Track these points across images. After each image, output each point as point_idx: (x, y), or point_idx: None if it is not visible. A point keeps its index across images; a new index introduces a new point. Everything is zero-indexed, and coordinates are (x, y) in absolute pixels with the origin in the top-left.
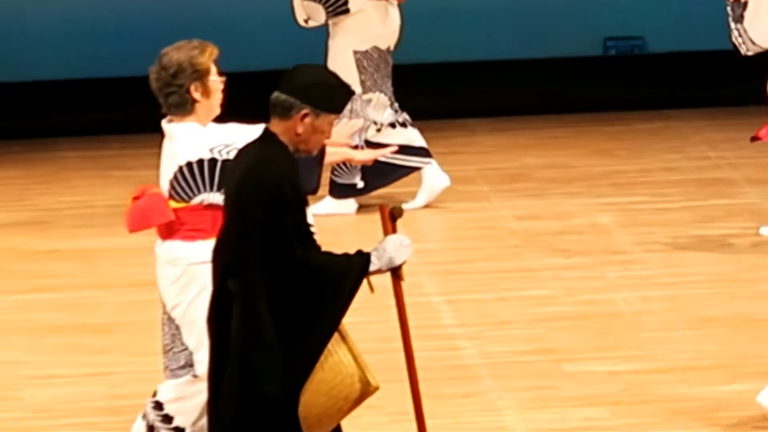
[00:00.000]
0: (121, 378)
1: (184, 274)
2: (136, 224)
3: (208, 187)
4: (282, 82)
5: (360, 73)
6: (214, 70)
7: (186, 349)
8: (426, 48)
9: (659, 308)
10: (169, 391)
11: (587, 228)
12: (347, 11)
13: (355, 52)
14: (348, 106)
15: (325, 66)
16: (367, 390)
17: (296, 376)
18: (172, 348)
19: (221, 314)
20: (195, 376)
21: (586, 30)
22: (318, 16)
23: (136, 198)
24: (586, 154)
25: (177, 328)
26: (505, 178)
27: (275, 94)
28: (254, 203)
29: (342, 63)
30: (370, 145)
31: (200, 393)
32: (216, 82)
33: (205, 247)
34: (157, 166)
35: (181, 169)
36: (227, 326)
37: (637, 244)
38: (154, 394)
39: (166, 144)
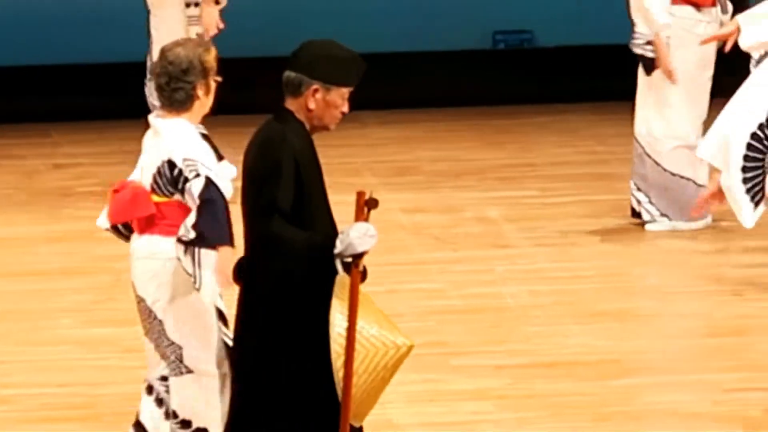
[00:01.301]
0: (9, 367)
1: (163, 269)
2: (118, 216)
3: (177, 190)
4: (291, 60)
5: None
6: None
7: (173, 343)
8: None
9: (547, 302)
10: (174, 393)
11: (476, 221)
12: None
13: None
14: None
15: (332, 40)
16: (401, 353)
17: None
18: (161, 343)
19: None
20: (190, 371)
21: (476, 23)
22: None
23: (116, 191)
24: (476, 148)
25: (161, 323)
26: (395, 171)
27: (286, 72)
28: (257, 179)
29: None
30: None
31: (205, 389)
32: (215, 81)
33: None
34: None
35: (164, 164)
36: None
37: (526, 238)
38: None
39: (153, 138)
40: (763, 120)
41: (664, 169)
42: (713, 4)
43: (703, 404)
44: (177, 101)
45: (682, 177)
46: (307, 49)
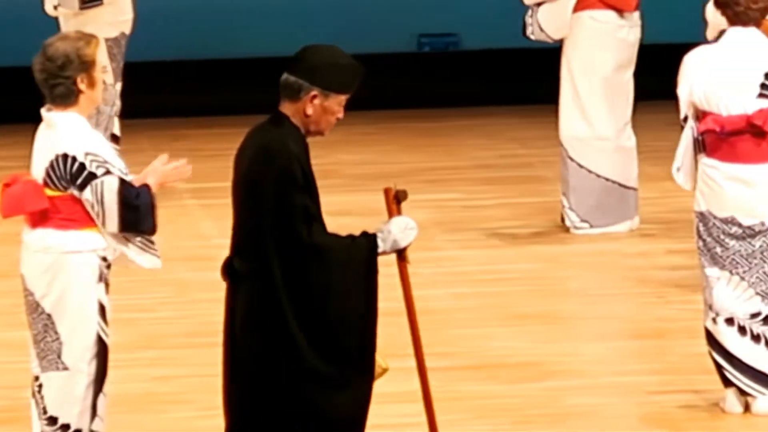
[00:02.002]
0: None
1: (56, 263)
2: (10, 210)
3: (73, 185)
4: (291, 64)
5: (111, 60)
6: (98, 61)
7: (58, 339)
8: (242, 43)
9: (471, 305)
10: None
11: None
12: (101, 3)
13: (107, 40)
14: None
15: (334, 46)
16: (376, 372)
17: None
18: (44, 338)
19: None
20: (66, 368)
21: (401, 26)
22: (70, 4)
23: (7, 185)
24: (400, 151)
25: (49, 317)
26: (317, 174)
27: (284, 75)
28: (264, 184)
29: None
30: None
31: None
32: (100, 73)
33: (78, 237)
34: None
35: (57, 158)
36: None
37: (451, 241)
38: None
39: (45, 131)
40: None
41: (589, 171)
42: (635, 9)
43: (625, 407)
44: (58, 96)
45: (607, 179)
46: (309, 55)
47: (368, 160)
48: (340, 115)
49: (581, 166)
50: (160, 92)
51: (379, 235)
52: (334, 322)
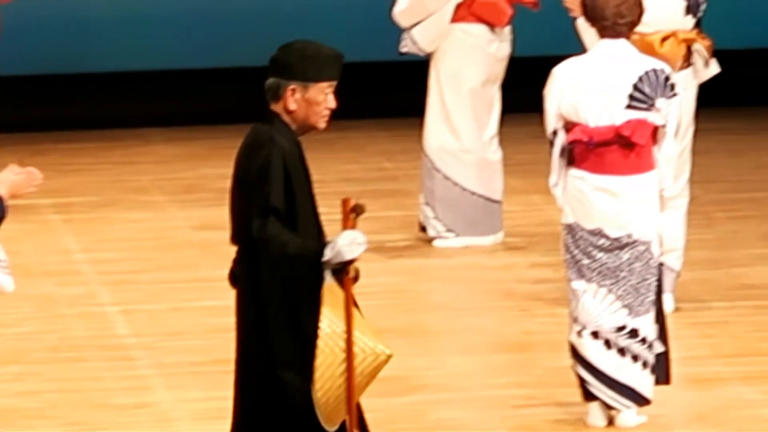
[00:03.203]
0: None
1: None
2: None
3: None
4: (268, 66)
5: None
6: None
7: None
8: (105, 57)
9: None
10: None
11: None
12: None
13: None
14: None
15: (307, 40)
16: (379, 360)
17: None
18: None
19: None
20: None
21: (263, 39)
22: None
23: None
24: None
25: None
26: (181, 188)
27: (267, 80)
28: (248, 180)
29: None
30: None
31: None
32: None
33: None
34: None
35: None
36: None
37: None
38: None
39: None
40: None
41: (455, 183)
42: (507, 24)
43: (491, 420)
44: None
45: (473, 193)
46: (281, 52)
47: (231, 174)
48: (330, 104)
49: (447, 178)
50: (22, 106)
51: (328, 243)
52: (272, 320)
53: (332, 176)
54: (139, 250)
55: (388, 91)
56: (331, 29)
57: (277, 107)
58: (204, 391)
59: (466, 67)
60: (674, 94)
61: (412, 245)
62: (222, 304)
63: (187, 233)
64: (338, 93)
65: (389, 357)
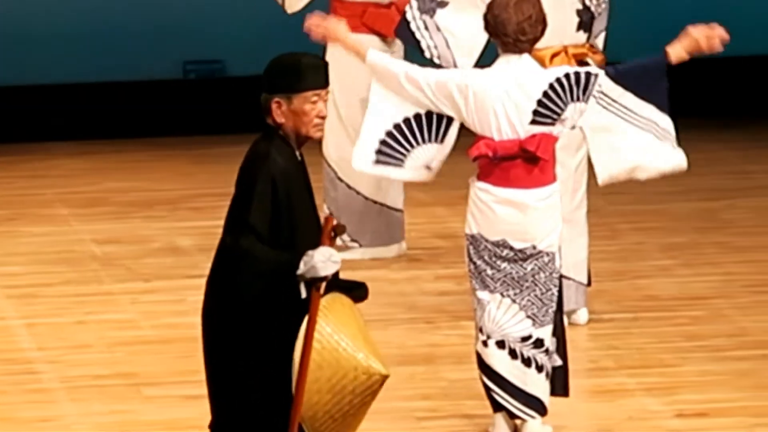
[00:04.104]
0: None
1: None
2: None
3: None
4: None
5: None
6: None
7: None
8: (6, 71)
9: None
10: None
11: (167, 252)
12: None
13: None
14: None
15: (291, 52)
16: (372, 380)
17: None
18: None
19: None
20: None
21: (166, 53)
22: None
23: None
24: (167, 178)
25: None
26: (85, 202)
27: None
28: (236, 196)
29: None
30: None
31: None
32: None
33: None
34: None
35: None
36: None
37: None
38: None
39: None
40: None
41: (357, 193)
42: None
43: None
44: None
45: (375, 202)
46: (265, 69)
47: (137, 188)
48: (320, 112)
49: (350, 187)
50: None
51: (304, 258)
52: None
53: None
54: (43, 263)
55: None
56: (236, 44)
57: (270, 121)
58: (107, 404)
59: (358, 78)
60: (595, 76)
61: None
62: (126, 317)
63: (91, 247)
64: (243, 105)
65: (384, 377)
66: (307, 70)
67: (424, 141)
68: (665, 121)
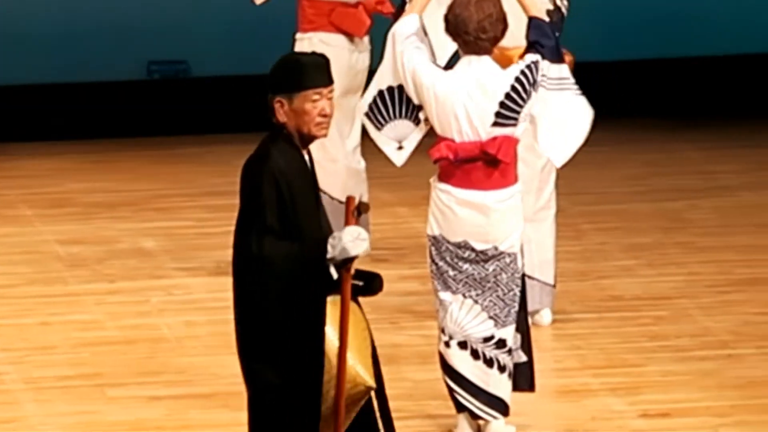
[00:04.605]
0: None
1: None
2: None
3: None
4: None
5: None
6: None
7: None
8: None
9: (202, 332)
10: None
11: (132, 253)
12: None
13: None
14: None
15: (293, 52)
16: (357, 390)
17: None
18: None
19: None
20: None
21: (130, 54)
22: None
23: None
24: (131, 179)
25: None
26: (49, 203)
27: None
28: (245, 198)
29: None
30: None
31: None
32: None
33: None
34: None
35: None
36: None
37: (182, 269)
38: None
39: None
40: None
41: (323, 193)
42: (365, 34)
43: None
44: None
45: (341, 202)
46: (270, 69)
47: (100, 189)
48: (322, 110)
49: None
50: None
51: (330, 241)
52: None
53: (200, 190)
54: (7, 264)
55: (254, 105)
56: (200, 45)
57: (275, 121)
58: (72, 405)
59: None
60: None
61: None
62: (90, 317)
63: (55, 248)
64: (207, 106)
65: (369, 389)
66: (306, 68)
67: (401, 115)
68: (564, 71)
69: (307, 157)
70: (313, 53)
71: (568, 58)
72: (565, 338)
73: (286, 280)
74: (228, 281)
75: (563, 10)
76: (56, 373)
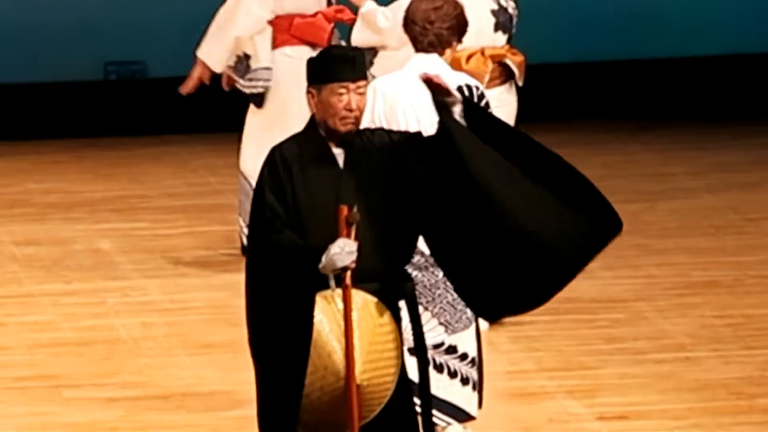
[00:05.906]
0: None
1: None
2: None
3: None
4: None
5: None
6: None
7: None
8: None
9: (159, 334)
10: None
11: (88, 253)
12: None
13: None
14: None
15: (335, 44)
16: (339, 384)
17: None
18: None
19: None
20: None
21: (87, 54)
22: None
23: None
24: (88, 180)
25: None
26: (5, 203)
27: None
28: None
29: None
30: None
31: None
32: None
33: None
34: None
35: None
36: None
37: (138, 270)
38: None
39: None
40: None
41: None
42: (328, 42)
43: None
44: None
45: None
46: None
47: (57, 189)
48: (348, 104)
49: None
50: None
51: (324, 251)
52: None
53: (156, 191)
54: None
55: (213, 106)
56: (158, 46)
57: (311, 111)
58: (28, 406)
59: (289, 90)
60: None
61: (233, 260)
62: (46, 319)
63: (10, 248)
64: (163, 107)
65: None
66: (332, 61)
67: None
68: None
69: (338, 151)
70: (348, 46)
71: (518, 58)
72: (521, 340)
73: (271, 271)
74: (184, 282)
75: (510, 10)
76: (12, 374)
